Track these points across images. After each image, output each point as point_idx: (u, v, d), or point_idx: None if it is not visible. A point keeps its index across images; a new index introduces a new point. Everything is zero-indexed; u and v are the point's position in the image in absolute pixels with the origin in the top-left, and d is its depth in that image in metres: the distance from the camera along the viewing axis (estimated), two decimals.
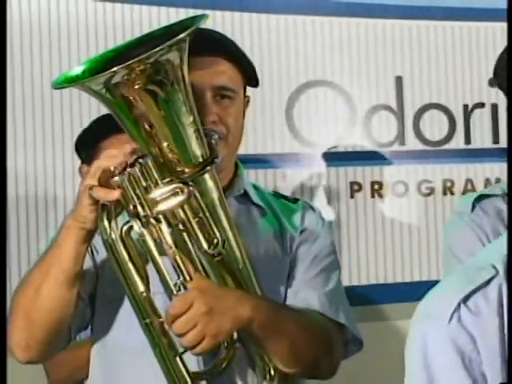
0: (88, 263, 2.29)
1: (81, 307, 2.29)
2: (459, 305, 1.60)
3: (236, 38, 2.54)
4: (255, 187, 2.58)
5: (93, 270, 2.33)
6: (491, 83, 3.65)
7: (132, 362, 2.30)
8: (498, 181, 3.62)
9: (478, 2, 3.72)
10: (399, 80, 3.77)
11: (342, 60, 3.73)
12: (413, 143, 3.78)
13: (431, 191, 3.78)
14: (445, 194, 3.75)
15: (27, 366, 2.32)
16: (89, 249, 2.25)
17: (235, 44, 2.47)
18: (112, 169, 2.03)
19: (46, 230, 3.38)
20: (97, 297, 2.35)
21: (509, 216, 1.80)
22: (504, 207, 2.43)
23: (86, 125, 3.11)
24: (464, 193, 3.72)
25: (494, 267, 1.64)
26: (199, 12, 3.23)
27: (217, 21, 3.51)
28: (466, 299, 1.61)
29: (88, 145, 3.00)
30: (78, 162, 3.17)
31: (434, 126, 3.79)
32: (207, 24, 3.24)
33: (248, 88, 2.48)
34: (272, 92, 3.65)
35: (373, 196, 3.75)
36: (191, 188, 2.12)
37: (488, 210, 2.57)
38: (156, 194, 2.07)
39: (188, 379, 2.19)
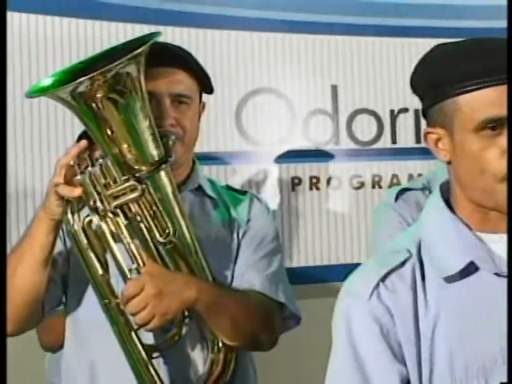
0: (60, 249, 2.30)
1: (53, 288, 2.30)
2: (378, 284, 1.62)
3: (193, 51, 2.54)
4: (210, 181, 2.58)
5: (64, 254, 2.33)
6: None
7: (98, 335, 2.30)
8: (419, 176, 3.61)
9: (404, 22, 3.75)
10: (334, 88, 3.77)
11: (284, 70, 3.73)
12: (346, 143, 3.78)
13: (361, 185, 3.79)
14: (373, 187, 3.77)
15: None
16: (61, 236, 2.28)
17: (192, 56, 2.47)
18: (76, 167, 2.07)
19: None
20: (69, 278, 2.36)
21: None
22: (422, 199, 2.45)
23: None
24: (390, 186, 3.72)
25: (409, 250, 1.67)
26: (161, 28, 3.23)
27: (177, 36, 3.53)
28: (383, 278, 1.63)
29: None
30: None
31: (365, 128, 3.80)
32: (172, 39, 3.28)
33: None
34: (224, 98, 3.64)
35: (311, 189, 3.75)
36: (144, 185, 2.15)
37: (409, 202, 2.58)
38: (114, 190, 2.10)
39: (142, 352, 2.21)
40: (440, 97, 1.61)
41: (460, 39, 1.66)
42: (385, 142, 3.80)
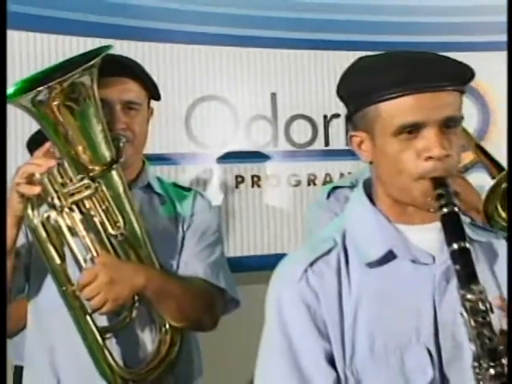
0: (23, 242, 2.30)
1: (17, 277, 2.30)
2: (306, 269, 1.64)
3: (146, 63, 2.55)
4: (158, 179, 2.58)
5: (27, 246, 2.33)
6: None
7: (57, 321, 2.29)
8: (349, 174, 3.64)
9: (334, 36, 3.78)
10: (274, 96, 3.78)
11: (229, 80, 3.73)
12: (284, 145, 3.79)
13: (298, 183, 3.80)
14: (309, 185, 3.77)
15: None
16: (24, 230, 2.28)
17: (140, 66, 2.47)
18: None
19: None
20: (31, 268, 2.36)
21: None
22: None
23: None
24: (324, 184, 3.73)
25: (334, 240, 1.69)
26: (113, 41, 3.23)
27: (132, 49, 3.52)
28: (311, 264, 1.64)
29: (38, 144, 2.91)
30: None
31: (301, 131, 3.81)
32: (126, 52, 3.27)
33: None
34: (174, 105, 3.65)
35: (253, 186, 3.75)
36: (97, 184, 2.17)
37: (339, 198, 2.60)
38: (70, 188, 2.12)
39: (97, 333, 2.22)
40: (362, 104, 1.62)
41: (379, 52, 1.69)
42: (319, 144, 3.81)
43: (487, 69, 3.46)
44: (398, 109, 1.58)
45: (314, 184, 3.76)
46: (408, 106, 1.57)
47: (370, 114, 1.62)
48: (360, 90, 1.63)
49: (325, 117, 3.83)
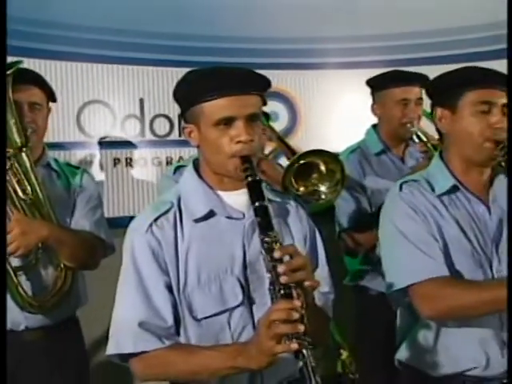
0: None
1: None
2: (151, 223, 1.65)
3: (51, 77, 2.50)
4: (56, 160, 2.55)
5: None
6: None
7: None
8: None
9: (180, 57, 3.75)
10: (142, 100, 3.75)
11: (109, 88, 3.68)
12: (149, 136, 3.74)
13: (159, 163, 3.76)
14: (167, 165, 3.72)
15: None
16: None
17: (42, 77, 2.46)
18: None
19: None
20: None
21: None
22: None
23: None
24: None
25: (172, 202, 1.70)
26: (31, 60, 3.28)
27: (41, 65, 3.45)
28: (155, 220, 1.66)
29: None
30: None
31: (161, 126, 3.76)
32: (34, 67, 3.21)
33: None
34: (69, 105, 3.59)
35: (126, 166, 3.71)
36: (11, 161, 2.19)
37: (182, 173, 2.64)
38: None
39: (11, 271, 2.21)
40: (191, 104, 1.65)
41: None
42: (174, 135, 3.79)
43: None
44: (215, 107, 1.61)
45: (171, 164, 3.71)
46: (223, 105, 1.60)
47: (196, 111, 1.64)
48: (189, 94, 1.65)
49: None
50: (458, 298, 1.70)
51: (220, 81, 1.62)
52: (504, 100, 1.82)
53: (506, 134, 1.78)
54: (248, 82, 1.63)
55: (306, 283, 1.44)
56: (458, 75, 1.88)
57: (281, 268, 1.43)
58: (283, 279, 1.42)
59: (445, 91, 1.87)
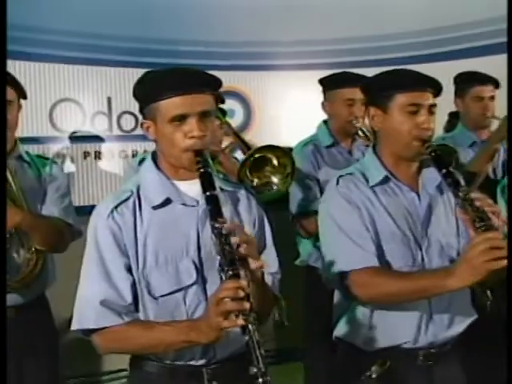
0: None
1: None
2: (112, 210, 1.63)
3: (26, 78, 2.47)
4: (27, 152, 2.52)
5: None
6: None
7: None
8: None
9: (145, 59, 3.73)
10: (109, 98, 3.73)
11: (79, 88, 3.67)
12: (116, 131, 3.74)
13: (126, 156, 3.76)
14: (133, 157, 3.70)
15: None
16: None
17: (15, 78, 2.42)
18: None
19: None
20: None
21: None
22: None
23: None
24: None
25: (132, 191, 1.67)
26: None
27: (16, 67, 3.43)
28: (116, 206, 1.64)
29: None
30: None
31: (127, 122, 3.76)
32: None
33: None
34: (41, 103, 3.57)
35: (95, 159, 3.71)
36: None
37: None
38: None
39: None
40: (149, 102, 1.62)
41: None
42: (140, 130, 3.56)
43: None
44: (170, 105, 1.58)
45: (136, 156, 3.69)
46: (177, 103, 1.58)
47: (153, 109, 1.61)
48: (146, 93, 1.63)
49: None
50: (385, 287, 1.72)
51: (174, 81, 1.60)
52: (431, 101, 1.84)
53: (432, 133, 1.82)
54: (200, 81, 1.62)
55: (252, 265, 1.44)
56: (390, 78, 1.89)
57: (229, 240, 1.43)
58: (228, 252, 1.42)
59: (377, 92, 1.88)
